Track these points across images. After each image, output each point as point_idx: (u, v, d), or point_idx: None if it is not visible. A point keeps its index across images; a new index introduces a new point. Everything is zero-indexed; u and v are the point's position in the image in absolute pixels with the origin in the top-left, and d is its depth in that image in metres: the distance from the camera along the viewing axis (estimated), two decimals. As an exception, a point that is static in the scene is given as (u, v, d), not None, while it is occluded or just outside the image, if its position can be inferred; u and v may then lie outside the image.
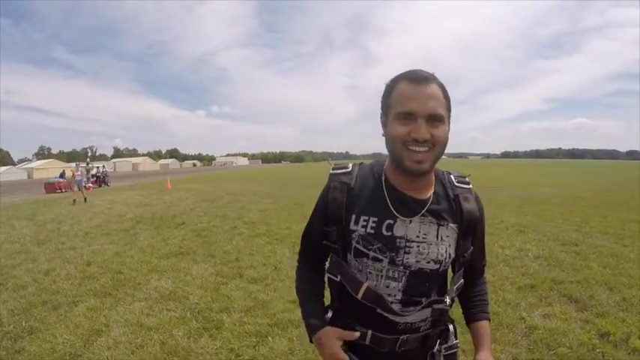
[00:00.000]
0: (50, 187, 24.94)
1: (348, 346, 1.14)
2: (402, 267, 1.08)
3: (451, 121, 1.06)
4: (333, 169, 1.19)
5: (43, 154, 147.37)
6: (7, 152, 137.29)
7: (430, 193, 1.11)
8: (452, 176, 1.17)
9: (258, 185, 24.51)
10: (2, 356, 3.47)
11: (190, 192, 20.45)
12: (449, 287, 1.15)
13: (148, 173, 69.27)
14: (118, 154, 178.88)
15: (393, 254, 1.07)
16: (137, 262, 6.52)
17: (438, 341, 1.16)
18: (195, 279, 5.39)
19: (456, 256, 1.12)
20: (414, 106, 0.97)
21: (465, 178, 1.18)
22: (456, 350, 1.18)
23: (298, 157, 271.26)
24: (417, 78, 0.99)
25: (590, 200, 14.02)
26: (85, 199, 16.24)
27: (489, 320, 1.24)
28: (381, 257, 1.08)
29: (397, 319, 1.08)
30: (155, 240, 8.33)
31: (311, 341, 1.20)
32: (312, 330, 1.18)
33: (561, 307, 4.06)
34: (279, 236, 7.88)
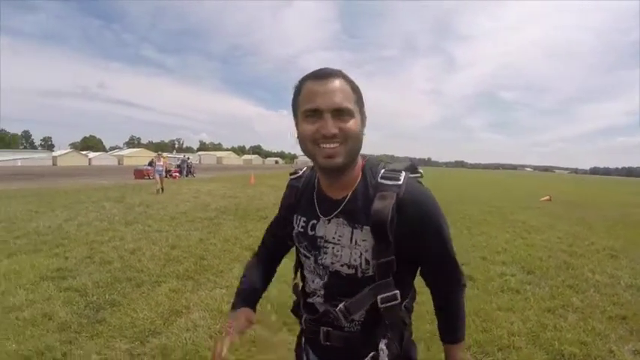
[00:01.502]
0: (139, 173, 28.97)
1: (302, 328, 1.37)
2: (321, 267, 1.22)
3: (366, 113, 1.16)
4: (290, 174, 1.37)
5: (133, 143, 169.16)
6: (100, 140, 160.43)
7: (349, 192, 1.17)
8: (382, 171, 1.16)
9: None
10: (84, 324, 3.88)
11: (273, 188, 21.78)
12: (358, 295, 1.16)
13: (232, 167, 75.34)
14: (203, 147, 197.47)
15: (316, 253, 1.22)
16: (220, 250, 6.99)
17: (372, 354, 1.18)
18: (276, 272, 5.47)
19: (374, 264, 1.12)
20: (318, 102, 1.05)
21: (398, 172, 1.15)
22: None
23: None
24: (320, 75, 1.08)
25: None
26: (162, 190, 17.49)
27: (459, 342, 1.28)
28: (308, 255, 1.26)
29: (317, 311, 1.25)
30: (238, 231, 8.86)
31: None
32: (231, 306, 1.37)
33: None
34: None
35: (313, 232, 1.23)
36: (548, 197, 19.53)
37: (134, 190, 18.38)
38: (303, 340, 1.38)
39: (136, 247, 7.03)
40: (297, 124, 1.15)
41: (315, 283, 1.25)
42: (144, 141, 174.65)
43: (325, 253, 1.20)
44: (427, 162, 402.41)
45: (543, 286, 5.41)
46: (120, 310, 4.21)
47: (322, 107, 1.05)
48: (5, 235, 7.84)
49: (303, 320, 1.32)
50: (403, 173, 1.14)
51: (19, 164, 49.30)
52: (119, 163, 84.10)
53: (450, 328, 1.29)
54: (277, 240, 1.44)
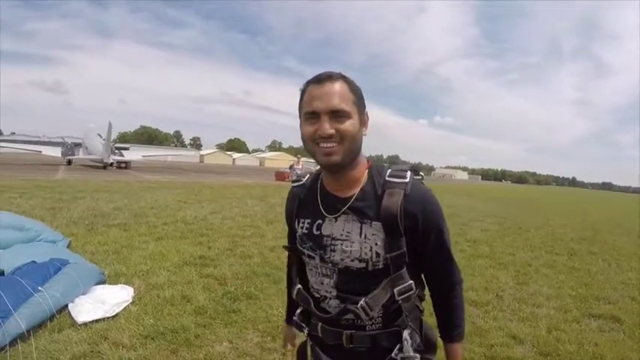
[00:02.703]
0: (280, 175, 31.47)
1: (310, 338, 1.49)
2: (330, 264, 1.35)
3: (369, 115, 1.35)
4: (292, 182, 1.58)
5: (274, 147, 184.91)
6: (244, 142, 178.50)
7: (356, 190, 1.34)
8: (388, 170, 1.33)
9: (478, 202, 25.67)
10: (220, 311, 4.13)
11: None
12: (376, 290, 1.30)
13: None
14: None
15: (322, 252, 1.36)
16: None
17: (398, 346, 1.31)
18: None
19: (387, 257, 1.28)
20: (316, 105, 1.23)
21: (404, 171, 1.31)
22: None
23: (520, 178, 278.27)
24: (320, 79, 1.26)
25: None
26: None
27: (457, 341, 1.40)
28: (313, 255, 1.39)
29: (333, 315, 1.35)
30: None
31: None
32: (285, 319, 1.77)
33: None
34: (502, 261, 7.91)
35: (319, 232, 1.36)
36: None
37: (275, 190, 19.61)
38: (310, 348, 1.54)
39: (276, 244, 7.37)
40: (300, 126, 1.31)
41: (325, 284, 1.38)
42: (284, 145, 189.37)
43: (333, 250, 1.32)
44: (571, 182, 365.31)
45: None
46: (256, 303, 4.40)
47: (319, 110, 1.22)
48: (155, 220, 8.98)
49: (318, 328, 1.39)
50: (409, 172, 1.31)
51: (170, 159, 57.20)
52: (260, 165, 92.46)
53: (451, 325, 1.41)
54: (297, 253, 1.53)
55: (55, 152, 33.65)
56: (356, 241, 1.28)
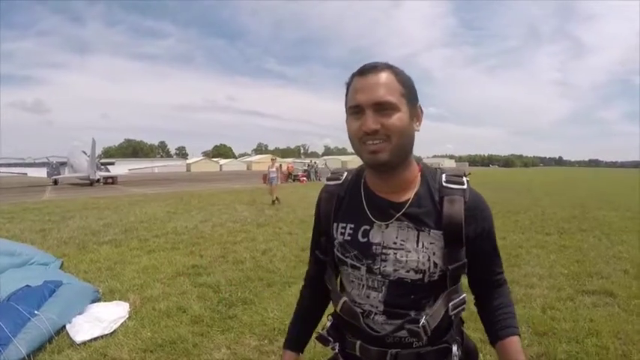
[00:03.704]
0: (265, 178, 31.10)
1: (343, 356, 1.32)
2: (379, 275, 1.21)
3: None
4: (327, 179, 1.38)
5: (260, 149, 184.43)
6: (230, 147, 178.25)
7: (410, 194, 1.21)
8: (443, 175, 1.23)
9: None
10: (216, 319, 4.17)
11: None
12: (434, 304, 1.20)
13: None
14: (328, 152, 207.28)
15: (370, 262, 1.21)
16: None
17: None
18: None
19: (445, 268, 1.18)
20: (360, 98, 1.11)
21: (460, 177, 1.23)
22: None
23: (507, 161, 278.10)
24: (364, 70, 1.14)
25: None
26: (278, 200, 15.61)
27: (518, 335, 1.26)
28: (358, 265, 1.24)
29: (379, 332, 1.21)
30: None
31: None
32: (285, 341, 1.46)
33: None
34: None
35: (366, 239, 1.22)
36: None
37: (263, 193, 19.61)
38: None
39: (267, 247, 7.44)
40: (346, 122, 1.20)
41: (371, 298, 1.24)
42: (271, 147, 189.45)
43: (385, 260, 1.19)
44: (558, 161, 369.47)
45: None
46: (251, 308, 4.43)
47: (363, 103, 1.10)
48: (146, 234, 8.99)
49: (357, 346, 1.27)
50: (465, 178, 1.23)
51: (157, 171, 56.81)
52: (248, 169, 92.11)
53: (512, 317, 1.29)
54: (321, 262, 1.39)
55: (41, 173, 33.28)
56: (412, 250, 1.17)
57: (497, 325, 1.28)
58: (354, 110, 1.13)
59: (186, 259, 6.63)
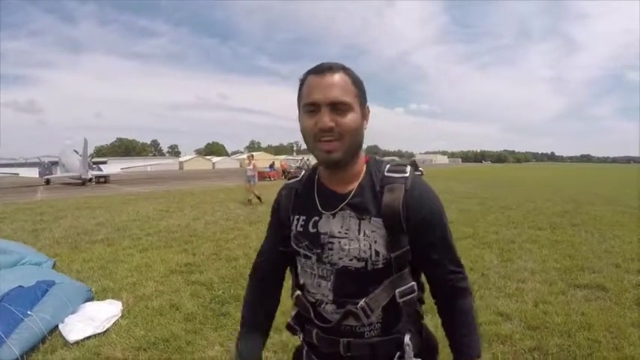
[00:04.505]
0: (260, 175, 31.06)
1: (307, 344, 1.37)
2: (328, 264, 1.25)
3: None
4: (288, 178, 1.46)
5: (253, 147, 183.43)
6: (223, 145, 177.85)
7: (354, 185, 1.25)
8: (387, 166, 1.27)
9: (459, 184, 25.92)
10: (209, 316, 4.17)
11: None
12: (377, 290, 1.22)
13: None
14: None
15: (319, 251, 1.25)
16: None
17: (398, 354, 1.25)
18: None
19: (389, 256, 1.20)
20: (316, 96, 1.15)
21: (403, 166, 1.26)
22: None
23: (500, 157, 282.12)
24: (320, 69, 1.18)
25: None
26: (259, 199, 14.88)
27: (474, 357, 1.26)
28: (309, 254, 1.28)
29: (331, 322, 1.26)
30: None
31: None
32: (235, 350, 1.43)
33: None
34: (486, 240, 8.04)
35: (315, 229, 1.27)
36: None
37: (256, 190, 19.60)
38: (305, 355, 1.40)
39: (260, 245, 7.37)
40: (299, 119, 1.23)
41: (322, 287, 1.28)
42: (263, 144, 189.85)
43: (331, 249, 1.24)
44: (550, 157, 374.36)
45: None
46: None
47: (319, 101, 1.14)
48: (138, 232, 8.96)
49: (313, 335, 1.31)
50: (409, 167, 1.25)
51: (149, 169, 56.43)
52: (241, 166, 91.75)
53: (461, 335, 1.27)
54: (273, 255, 1.44)
55: (33, 173, 32.87)
56: (354, 239, 1.20)
57: (452, 347, 1.28)
58: (310, 108, 1.16)
59: (179, 257, 6.62)
